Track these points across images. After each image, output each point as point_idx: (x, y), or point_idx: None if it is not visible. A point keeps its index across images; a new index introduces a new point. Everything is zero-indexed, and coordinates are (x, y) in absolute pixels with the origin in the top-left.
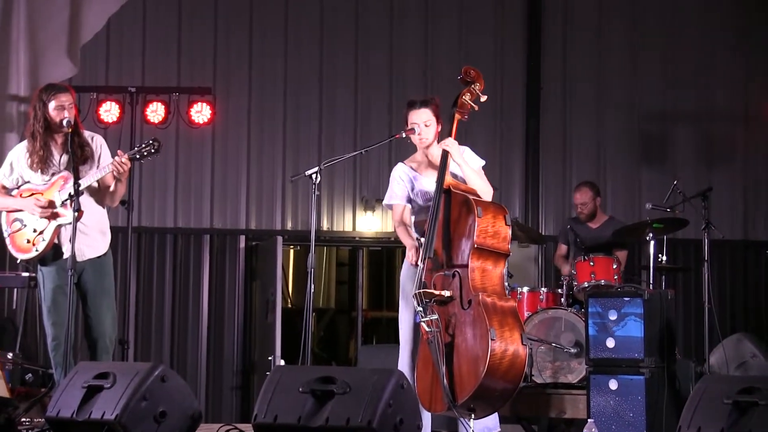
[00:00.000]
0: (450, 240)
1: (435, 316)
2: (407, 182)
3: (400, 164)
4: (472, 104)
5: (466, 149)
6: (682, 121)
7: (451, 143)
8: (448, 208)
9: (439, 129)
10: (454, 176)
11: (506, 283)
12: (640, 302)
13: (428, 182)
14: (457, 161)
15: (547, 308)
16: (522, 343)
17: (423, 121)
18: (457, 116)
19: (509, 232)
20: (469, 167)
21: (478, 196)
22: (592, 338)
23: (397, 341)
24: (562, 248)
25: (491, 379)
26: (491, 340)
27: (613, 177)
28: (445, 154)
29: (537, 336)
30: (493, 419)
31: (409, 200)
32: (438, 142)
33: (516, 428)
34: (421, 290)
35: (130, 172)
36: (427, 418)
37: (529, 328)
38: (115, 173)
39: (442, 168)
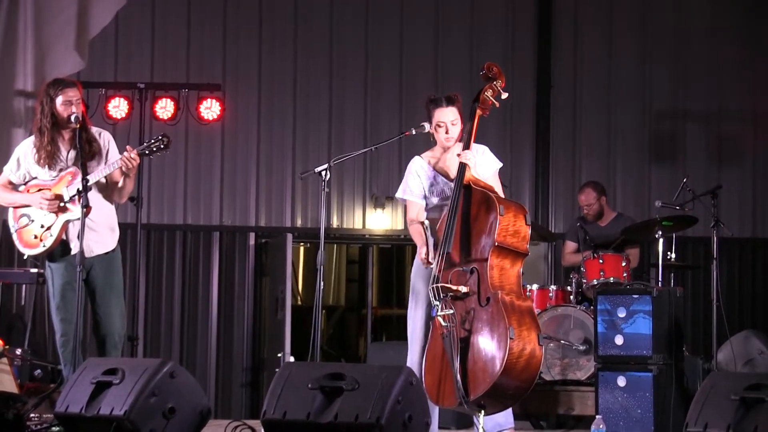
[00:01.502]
0: (468, 236)
1: (451, 311)
2: (424, 178)
3: (417, 158)
4: (494, 101)
5: (485, 149)
6: (691, 120)
7: (470, 157)
8: (467, 204)
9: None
10: None
11: None
12: (648, 299)
13: (446, 181)
14: (474, 176)
15: (557, 305)
16: (539, 344)
17: (450, 121)
18: (478, 112)
19: (528, 231)
20: (484, 179)
21: (497, 193)
22: (600, 335)
23: (406, 339)
24: (570, 246)
25: (507, 377)
26: (510, 338)
27: (622, 175)
28: (463, 166)
29: (546, 333)
30: (505, 416)
31: (424, 197)
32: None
33: (524, 424)
34: (439, 284)
35: (138, 168)
36: (434, 412)
37: None
38: (123, 169)
39: (459, 179)
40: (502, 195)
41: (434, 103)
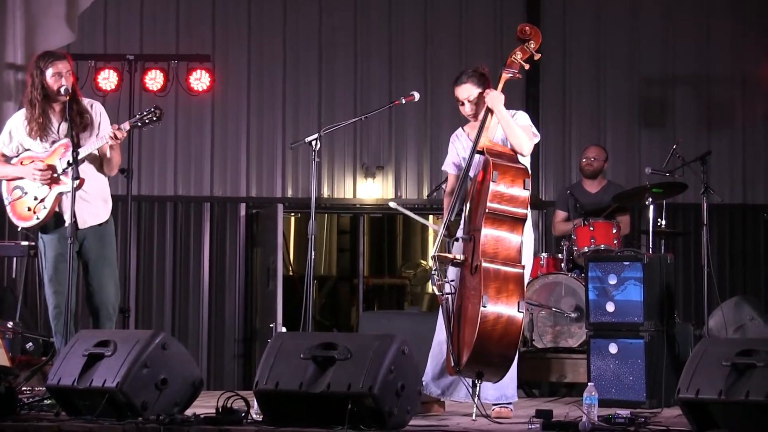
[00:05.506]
0: (477, 203)
1: (447, 280)
2: (461, 149)
3: (459, 129)
4: (522, 63)
5: (518, 113)
6: (681, 86)
7: (492, 97)
8: (484, 171)
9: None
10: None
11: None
12: (639, 266)
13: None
14: (491, 141)
15: (548, 273)
16: (518, 311)
17: (465, 97)
18: (504, 75)
19: (528, 195)
20: (510, 119)
21: (512, 156)
22: (592, 302)
23: (398, 307)
24: (560, 215)
25: (485, 344)
26: (483, 307)
27: (612, 141)
28: (487, 113)
29: (538, 301)
30: (512, 388)
31: (460, 168)
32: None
33: (517, 392)
34: (437, 254)
35: (128, 140)
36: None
37: (529, 293)
38: (110, 142)
39: (480, 127)
40: (530, 141)
41: (454, 81)
